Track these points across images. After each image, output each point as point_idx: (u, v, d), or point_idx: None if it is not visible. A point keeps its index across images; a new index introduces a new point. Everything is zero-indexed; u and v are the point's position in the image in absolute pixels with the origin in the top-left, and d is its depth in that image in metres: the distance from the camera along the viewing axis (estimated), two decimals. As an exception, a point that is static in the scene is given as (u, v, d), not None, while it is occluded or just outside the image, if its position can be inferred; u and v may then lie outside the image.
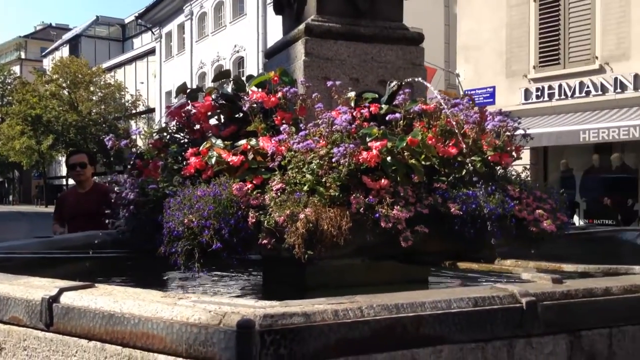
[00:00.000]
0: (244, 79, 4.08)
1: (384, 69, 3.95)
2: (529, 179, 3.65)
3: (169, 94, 32.81)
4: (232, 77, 4.15)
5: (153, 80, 35.19)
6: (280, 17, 4.56)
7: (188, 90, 3.98)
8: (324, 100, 3.50)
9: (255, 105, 3.55)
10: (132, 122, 36.14)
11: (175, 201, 3.05)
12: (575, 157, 13.75)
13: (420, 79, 3.81)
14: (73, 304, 1.91)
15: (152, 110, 35.16)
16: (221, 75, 4.18)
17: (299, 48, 3.87)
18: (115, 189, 3.35)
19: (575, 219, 12.73)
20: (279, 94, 3.57)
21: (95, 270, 3.51)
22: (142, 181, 3.36)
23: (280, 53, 4.20)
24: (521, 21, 13.46)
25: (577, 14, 12.51)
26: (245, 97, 3.61)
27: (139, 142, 3.98)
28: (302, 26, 3.91)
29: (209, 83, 28.06)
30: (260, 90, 3.74)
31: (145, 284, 2.92)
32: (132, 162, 3.63)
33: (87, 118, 31.50)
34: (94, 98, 32.67)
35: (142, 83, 37.17)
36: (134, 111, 35.05)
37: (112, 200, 3.38)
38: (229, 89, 3.87)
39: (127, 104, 34.35)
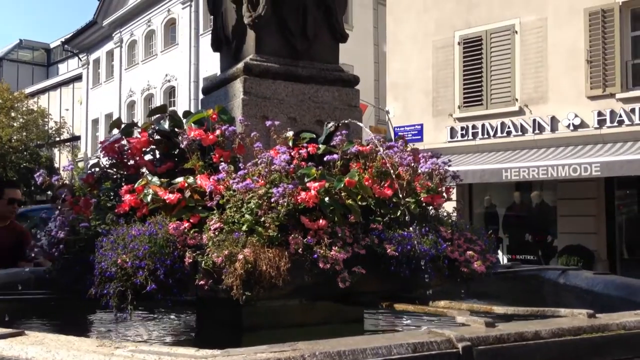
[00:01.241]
0: (180, 114, 4.05)
1: (321, 109, 4.03)
2: (460, 220, 3.79)
3: (95, 121, 31.89)
4: (168, 112, 4.11)
5: (79, 107, 34.14)
6: (213, 50, 4.58)
7: (122, 125, 3.90)
8: (262, 139, 3.53)
9: (193, 142, 3.53)
10: (56, 150, 34.78)
11: (108, 240, 2.97)
12: (498, 194, 14.34)
13: (356, 121, 3.91)
14: (2, 353, 1.81)
15: (78, 138, 34.01)
16: (157, 110, 4.13)
17: (238, 86, 3.89)
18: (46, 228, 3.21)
19: (500, 254, 13.23)
20: (218, 132, 3.57)
21: (18, 311, 3.34)
22: (73, 219, 3.25)
23: (218, 90, 4.21)
24: (446, 63, 14.05)
25: (498, 59, 13.21)
26: (183, 134, 3.58)
27: (68, 174, 3.85)
28: (241, 65, 3.94)
29: (138, 112, 27.56)
30: (197, 127, 3.72)
31: (75, 327, 2.80)
32: (62, 199, 3.51)
33: (7, 145, 30.10)
34: (15, 124, 31.28)
35: (67, 110, 35.97)
36: (57, 139, 33.78)
37: (29, 243, 3.24)
38: (166, 124, 3.82)
39: (50, 131, 33.08)
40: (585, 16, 11.93)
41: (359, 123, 3.91)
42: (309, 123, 3.97)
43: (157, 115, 4.05)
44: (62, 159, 34.96)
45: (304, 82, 4.03)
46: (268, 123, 3.53)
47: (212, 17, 4.40)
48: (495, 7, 13.34)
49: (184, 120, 3.83)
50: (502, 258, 13.17)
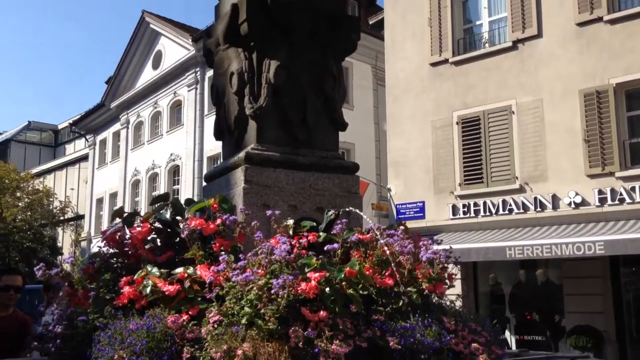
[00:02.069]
0: (183, 195, 4.09)
1: (322, 197, 4.07)
2: (464, 310, 3.72)
3: (100, 200, 32.08)
4: (170, 199, 4.15)
5: (84, 187, 34.46)
6: (216, 139, 4.68)
7: (125, 215, 3.94)
8: (263, 227, 3.54)
9: (194, 232, 3.55)
10: (59, 229, 34.80)
11: (105, 335, 2.93)
12: (503, 272, 14.18)
13: (356, 209, 3.94)
14: None
15: (81, 217, 34.12)
16: (159, 198, 4.18)
17: (239, 175, 3.95)
18: (42, 320, 3.18)
19: (507, 334, 12.92)
20: (218, 221, 3.59)
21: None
22: (72, 312, 3.22)
23: (220, 178, 4.27)
24: (446, 142, 14.26)
25: (497, 138, 13.41)
26: (184, 223, 3.61)
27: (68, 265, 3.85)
28: (242, 154, 4.02)
29: (142, 191, 27.78)
30: (199, 215, 3.75)
31: None
32: (59, 289, 3.49)
33: (12, 225, 30.17)
34: (20, 204, 31.49)
35: (73, 189, 36.30)
36: (61, 218, 33.88)
37: (31, 333, 3.19)
38: (167, 214, 3.85)
39: (55, 210, 33.23)
40: (580, 97, 12.20)
41: (359, 212, 3.94)
42: (309, 210, 4.01)
43: (159, 203, 4.09)
44: (65, 237, 34.93)
45: (304, 170, 4.10)
46: (268, 213, 3.55)
47: (215, 107, 4.53)
48: (491, 89, 13.68)
49: (186, 209, 3.86)
50: (510, 339, 12.86)
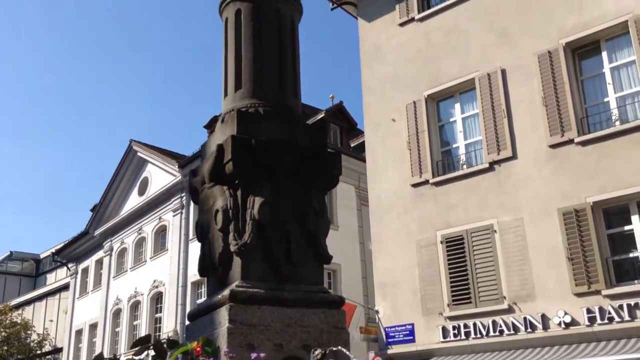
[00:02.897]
0: (164, 344, 3.98)
1: (308, 334, 3.99)
2: None
3: (79, 332, 30.99)
4: (152, 342, 4.04)
5: (63, 317, 33.39)
6: (200, 275, 4.64)
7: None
8: (247, 369, 3.43)
9: (176, 378, 3.42)
10: (35, 363, 33.23)
11: None
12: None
13: (343, 348, 3.84)
14: None
15: (59, 350, 32.75)
16: (141, 340, 4.07)
17: (223, 314, 3.89)
18: None
19: None
20: (202, 365, 3.48)
21: None
22: None
23: (204, 317, 4.19)
24: (431, 262, 14.24)
25: (481, 257, 13.44)
26: (166, 369, 3.49)
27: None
28: (227, 291, 3.98)
29: (123, 320, 26.96)
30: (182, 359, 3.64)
31: None
32: None
33: (-15, 360, 28.89)
34: (-5, 338, 30.32)
35: (52, 321, 35.17)
36: (39, 351, 32.49)
37: None
38: (149, 358, 3.73)
39: (32, 344, 31.94)
40: (559, 216, 12.44)
41: (346, 352, 3.84)
42: (295, 348, 3.91)
43: (140, 347, 3.98)
44: (41, 372, 33.32)
45: (290, 306, 4.05)
46: (253, 356, 3.46)
47: (200, 243, 4.54)
48: (472, 208, 13.92)
49: (169, 353, 3.75)
50: None
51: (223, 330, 3.78)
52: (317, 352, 3.66)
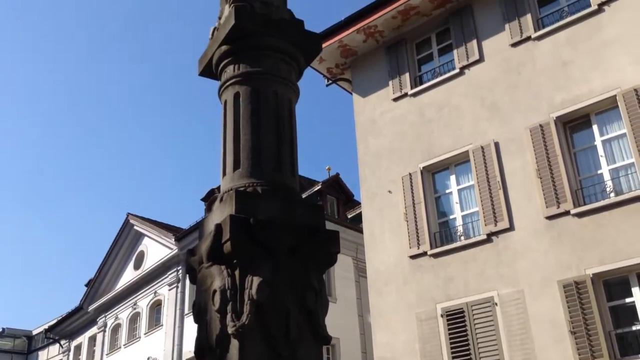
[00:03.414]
0: None
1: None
2: None
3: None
4: None
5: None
6: (196, 358, 4.54)
7: None
8: None
9: None
10: None
11: None
12: None
13: None
14: None
15: None
16: None
17: (221, 398, 3.78)
18: None
19: None
20: None
21: None
22: None
23: (200, 401, 4.08)
24: (432, 335, 13.99)
25: (483, 330, 13.21)
26: None
27: None
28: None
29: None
30: None
31: None
32: None
33: None
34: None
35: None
36: None
37: None
38: None
39: None
40: (560, 288, 12.34)
41: None
42: None
43: None
44: None
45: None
46: None
47: (197, 325, 4.47)
48: (471, 280, 13.82)
49: None
50: None
51: (220, 417, 3.67)
52: None
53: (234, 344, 4.01)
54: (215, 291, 4.13)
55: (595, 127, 13.38)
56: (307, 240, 4.37)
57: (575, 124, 13.82)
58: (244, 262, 4.15)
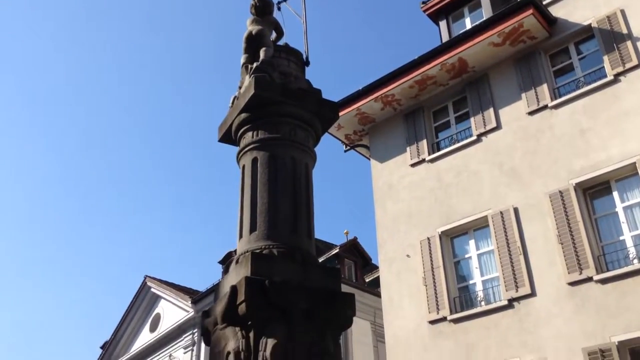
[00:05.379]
0: None
1: None
2: None
3: None
4: None
5: None
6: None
7: None
8: None
9: None
10: None
11: None
12: None
13: None
14: None
15: None
16: None
17: None
18: None
19: None
20: None
21: None
22: None
23: None
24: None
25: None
26: None
27: None
28: None
29: None
30: None
31: None
32: None
33: None
34: None
35: None
36: None
37: None
38: None
39: None
40: (584, 356, 11.94)
41: None
42: None
43: None
44: None
45: None
46: None
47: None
48: (493, 348, 13.35)
49: None
50: None
51: None
52: None
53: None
54: (229, 353, 4.15)
55: (615, 194, 13.29)
56: (323, 303, 4.40)
57: (595, 191, 13.73)
58: (258, 323, 4.18)
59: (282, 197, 4.79)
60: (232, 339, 4.21)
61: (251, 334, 4.18)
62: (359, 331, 22.46)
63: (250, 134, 5.10)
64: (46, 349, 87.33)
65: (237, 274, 4.47)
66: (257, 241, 4.69)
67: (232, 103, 5.30)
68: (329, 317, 4.41)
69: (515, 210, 14.40)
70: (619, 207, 13.22)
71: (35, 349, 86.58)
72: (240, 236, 4.85)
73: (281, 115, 5.05)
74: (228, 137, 5.37)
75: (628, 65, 13.80)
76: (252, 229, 4.75)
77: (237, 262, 4.67)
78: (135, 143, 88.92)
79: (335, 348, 4.45)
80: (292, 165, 4.94)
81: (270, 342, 4.09)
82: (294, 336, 4.20)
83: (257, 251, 4.56)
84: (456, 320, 14.41)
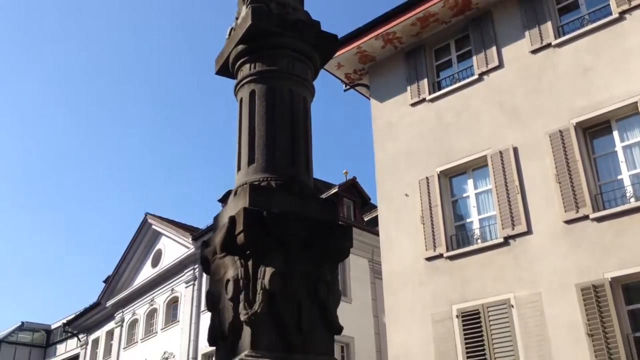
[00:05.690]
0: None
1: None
2: None
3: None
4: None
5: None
6: (209, 344, 4.66)
7: None
8: None
9: None
10: None
11: None
12: None
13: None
14: None
15: None
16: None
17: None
18: None
19: None
20: None
21: None
22: None
23: (214, 385, 4.20)
24: (447, 336, 13.99)
25: (499, 331, 13.17)
26: None
27: None
28: (236, 360, 4.00)
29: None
30: None
31: None
32: None
33: None
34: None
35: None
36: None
37: None
38: None
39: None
40: (577, 291, 12.26)
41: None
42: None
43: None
44: None
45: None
46: None
47: (210, 313, 4.60)
48: (488, 282, 13.79)
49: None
50: None
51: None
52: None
53: (247, 331, 4.13)
54: (228, 280, 4.26)
55: (615, 133, 13.29)
56: (320, 234, 4.47)
57: (595, 130, 13.73)
58: (257, 253, 4.26)
59: (280, 129, 4.79)
60: (231, 268, 4.30)
61: (250, 263, 4.27)
62: (357, 268, 22.91)
63: (247, 66, 5.04)
64: (51, 283, 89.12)
65: (236, 206, 4.53)
66: (255, 173, 4.72)
67: (229, 34, 5.22)
68: (327, 248, 4.49)
69: (515, 150, 14.43)
70: (619, 147, 13.25)
71: (39, 284, 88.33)
72: (239, 169, 4.88)
73: (279, 47, 4.99)
74: (226, 69, 5.32)
75: (634, 3, 13.53)
76: (250, 161, 4.77)
77: (235, 194, 4.71)
78: (136, 76, 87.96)
79: (333, 278, 4.55)
80: (290, 98, 4.91)
81: (269, 271, 4.19)
82: (292, 265, 4.29)
83: (255, 183, 4.60)
84: (452, 257, 14.69)
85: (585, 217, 12.75)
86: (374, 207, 24.26)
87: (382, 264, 16.48)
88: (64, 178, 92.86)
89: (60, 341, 43.46)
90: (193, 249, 24.27)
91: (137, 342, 27.45)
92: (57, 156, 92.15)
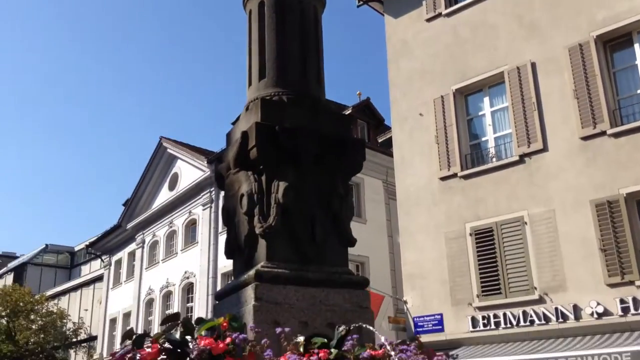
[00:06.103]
0: (196, 313, 4.12)
1: (332, 312, 4.09)
2: None
3: (113, 321, 31.71)
4: (181, 319, 4.17)
5: (98, 307, 34.24)
6: (227, 257, 4.77)
7: (134, 336, 3.95)
8: (273, 344, 3.54)
9: (203, 352, 3.55)
10: (72, 352, 34.14)
11: None
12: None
13: (367, 325, 3.93)
14: None
15: (94, 338, 33.57)
16: (170, 318, 4.21)
17: (249, 292, 4.02)
18: None
19: None
20: (228, 340, 3.60)
21: None
22: None
23: (231, 296, 4.33)
24: (460, 253, 14.22)
25: (511, 248, 13.38)
26: (193, 343, 3.62)
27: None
28: (252, 272, 4.11)
29: (156, 309, 27.47)
30: (209, 335, 3.77)
31: None
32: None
33: (24, 348, 29.79)
34: (33, 327, 31.23)
35: (87, 310, 36.05)
36: (74, 339, 33.40)
37: None
38: (177, 334, 3.87)
39: (68, 332, 32.84)
40: (592, 208, 12.28)
41: (370, 328, 3.93)
42: (320, 326, 4.01)
43: (170, 324, 4.12)
44: (78, 360, 34.22)
45: (314, 286, 4.16)
46: (278, 330, 3.57)
47: (226, 227, 4.68)
48: (502, 201, 13.84)
49: (196, 328, 3.88)
50: None
51: (249, 308, 3.91)
52: (341, 329, 3.75)
53: (262, 243, 4.22)
54: (242, 195, 4.30)
55: (637, 46, 12.88)
56: (333, 148, 4.46)
57: (615, 43, 13.30)
58: (270, 167, 4.28)
59: (290, 41, 4.68)
60: (245, 182, 4.33)
61: (263, 177, 4.29)
62: (371, 189, 23.00)
63: (256, -23, 4.87)
64: (73, 206, 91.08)
65: (248, 121, 4.50)
66: (266, 88, 4.66)
67: (237, -56, 5.01)
68: (339, 162, 4.49)
69: (533, 65, 14.08)
70: (639, 60, 12.87)
71: (62, 208, 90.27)
72: (250, 84, 4.82)
73: (288, -44, 4.79)
74: (234, -19, 5.15)
75: None
76: (261, 76, 4.70)
77: (247, 109, 4.68)
78: (150, 3, 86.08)
79: (346, 191, 4.58)
80: (300, 9, 4.77)
81: (282, 185, 4.21)
82: (305, 179, 4.31)
83: (267, 98, 4.55)
84: (466, 177, 14.68)
85: (603, 133, 12.58)
86: (388, 128, 24.08)
87: (396, 184, 16.54)
88: (74, 108, 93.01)
89: (84, 262, 44.94)
90: (208, 172, 24.44)
91: (158, 262, 28.25)
92: (78, 80, 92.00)
